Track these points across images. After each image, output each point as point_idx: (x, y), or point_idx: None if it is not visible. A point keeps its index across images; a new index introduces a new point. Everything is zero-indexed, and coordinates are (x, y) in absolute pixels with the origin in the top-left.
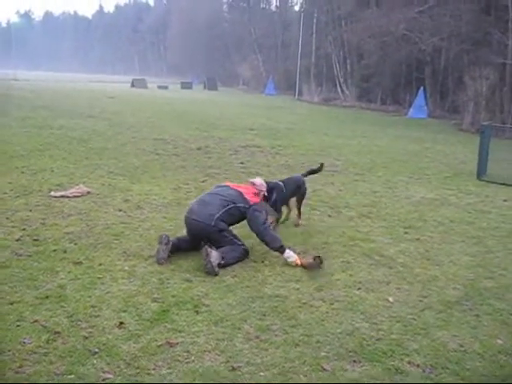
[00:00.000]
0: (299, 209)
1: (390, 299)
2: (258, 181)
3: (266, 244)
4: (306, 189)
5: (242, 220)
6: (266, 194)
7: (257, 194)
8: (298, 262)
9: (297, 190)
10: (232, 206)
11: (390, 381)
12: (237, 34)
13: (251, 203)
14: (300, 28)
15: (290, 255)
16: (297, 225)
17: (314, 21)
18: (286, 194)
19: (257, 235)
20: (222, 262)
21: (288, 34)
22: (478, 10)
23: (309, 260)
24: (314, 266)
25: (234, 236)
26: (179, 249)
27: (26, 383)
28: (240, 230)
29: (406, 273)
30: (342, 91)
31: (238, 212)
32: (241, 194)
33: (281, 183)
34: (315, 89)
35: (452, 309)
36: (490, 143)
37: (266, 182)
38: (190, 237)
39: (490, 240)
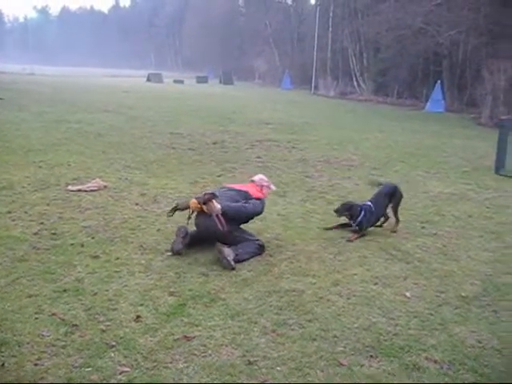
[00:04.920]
0: (397, 216)
1: (407, 294)
2: (257, 177)
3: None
4: (401, 194)
5: (251, 218)
6: (266, 184)
7: (261, 190)
8: None
9: (390, 198)
10: None
11: (407, 378)
12: (252, 28)
13: (254, 197)
14: (316, 21)
15: None
16: (394, 231)
17: (330, 14)
18: (377, 212)
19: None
20: (237, 257)
21: (304, 28)
22: (497, 2)
23: None
24: None
25: (247, 233)
26: (197, 241)
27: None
28: (253, 225)
29: (423, 268)
30: (359, 85)
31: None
32: (245, 192)
33: (369, 203)
34: (331, 83)
35: (470, 304)
36: (508, 137)
37: (352, 204)
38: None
39: (508, 235)
